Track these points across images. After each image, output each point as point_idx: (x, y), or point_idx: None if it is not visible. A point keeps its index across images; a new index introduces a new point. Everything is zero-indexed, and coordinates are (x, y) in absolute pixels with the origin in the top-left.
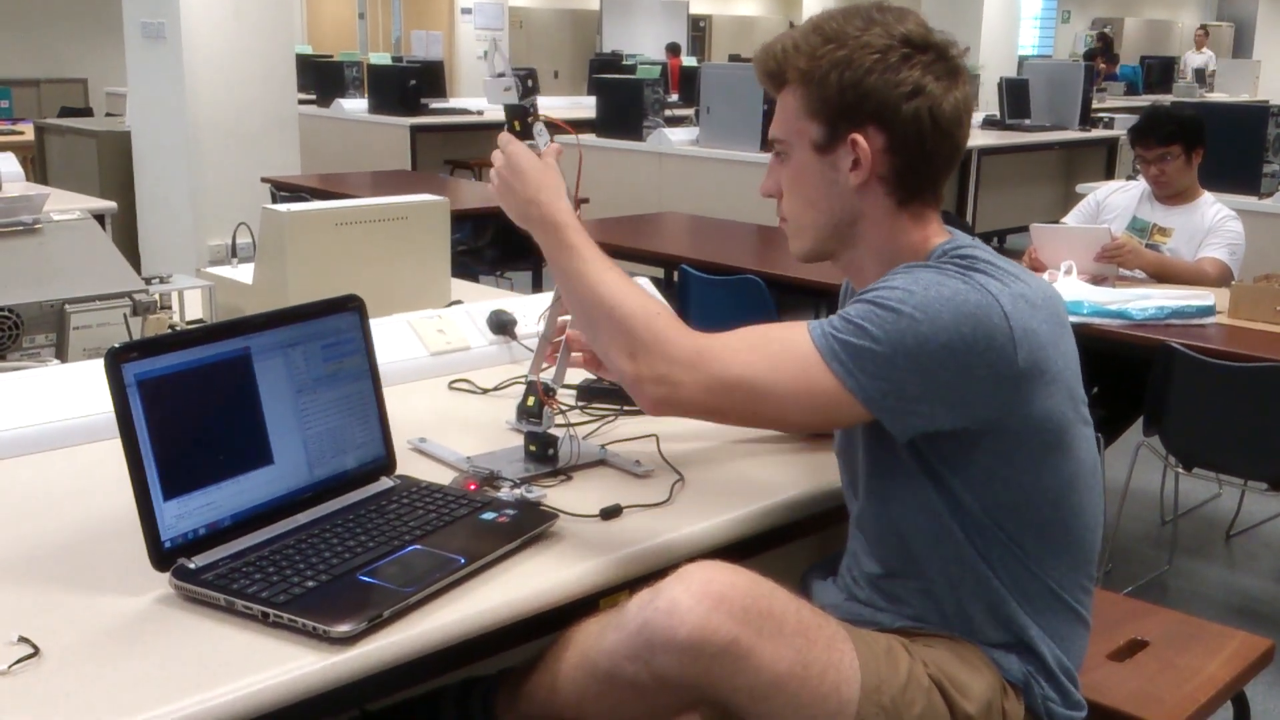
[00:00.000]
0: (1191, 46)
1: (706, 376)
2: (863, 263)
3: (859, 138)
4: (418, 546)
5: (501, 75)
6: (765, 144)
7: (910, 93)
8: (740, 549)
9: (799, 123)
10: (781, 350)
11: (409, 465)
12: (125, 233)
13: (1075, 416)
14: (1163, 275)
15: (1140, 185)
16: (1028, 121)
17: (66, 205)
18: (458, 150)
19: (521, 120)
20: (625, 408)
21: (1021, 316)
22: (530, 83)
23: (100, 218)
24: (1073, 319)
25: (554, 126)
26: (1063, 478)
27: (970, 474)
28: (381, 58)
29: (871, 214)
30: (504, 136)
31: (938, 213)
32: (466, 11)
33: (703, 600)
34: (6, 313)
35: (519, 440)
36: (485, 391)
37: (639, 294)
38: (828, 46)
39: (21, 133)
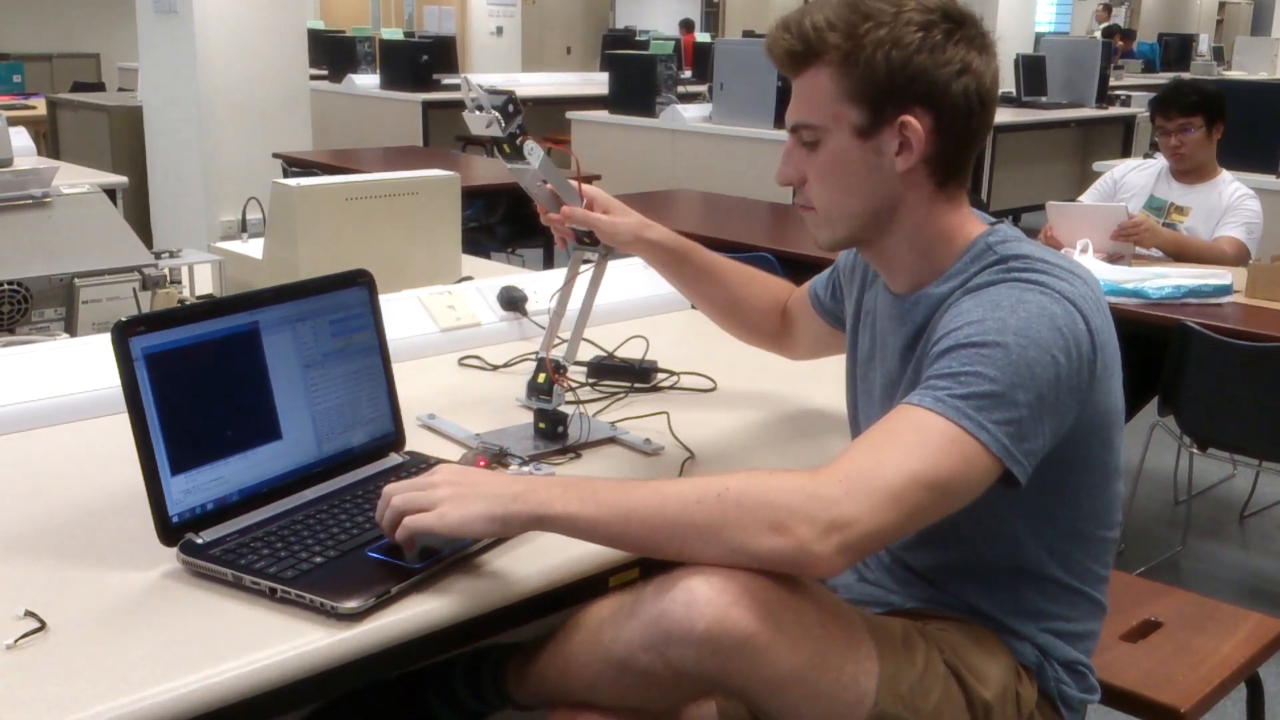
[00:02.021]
0: (1211, 26)
1: (869, 497)
2: (896, 250)
3: (910, 119)
4: None
5: (480, 110)
6: (778, 121)
7: (959, 71)
8: None
9: (835, 106)
10: (915, 437)
11: (418, 441)
12: (137, 208)
13: (1121, 402)
14: (1179, 254)
15: (1158, 163)
16: (1044, 99)
17: (76, 179)
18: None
19: (510, 145)
20: (636, 385)
21: (1094, 316)
22: (511, 107)
23: (111, 192)
24: None
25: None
26: (1108, 470)
27: (1024, 495)
28: (394, 33)
29: (912, 199)
30: (396, 488)
31: (967, 194)
32: None
33: (722, 593)
34: (15, 286)
35: (529, 417)
36: (495, 368)
37: (722, 474)
38: (868, 24)
39: (34, 107)
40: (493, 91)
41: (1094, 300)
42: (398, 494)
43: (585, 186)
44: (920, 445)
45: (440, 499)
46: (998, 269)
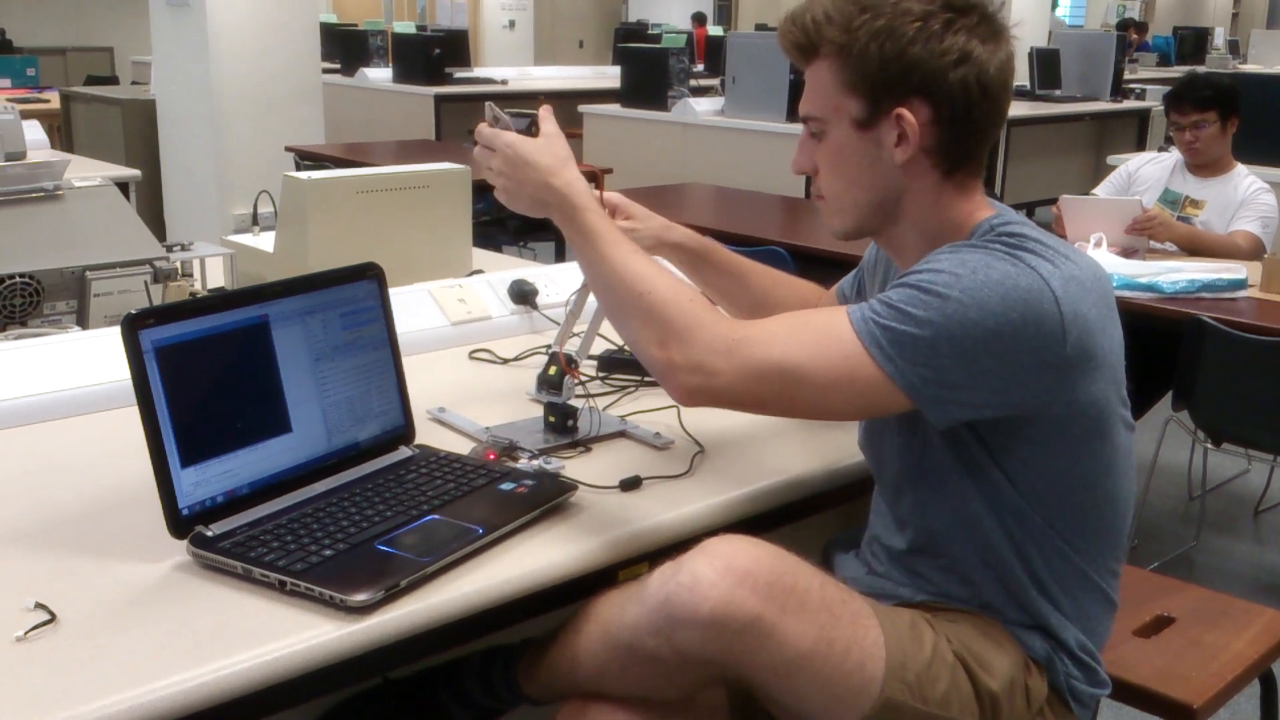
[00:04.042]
0: (1227, 19)
1: (743, 363)
2: (906, 239)
3: (904, 112)
4: (436, 516)
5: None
6: (791, 115)
7: (956, 61)
8: (761, 521)
9: (836, 98)
10: (821, 336)
11: (428, 435)
12: (150, 201)
13: (1117, 401)
14: (1194, 248)
15: (1172, 157)
16: (1058, 92)
17: (89, 172)
18: (482, 120)
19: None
20: (646, 379)
21: (1072, 300)
22: (534, 129)
23: (124, 185)
24: None
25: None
26: (1101, 464)
27: (1009, 463)
28: (406, 26)
29: (917, 189)
30: (485, 131)
31: (981, 182)
32: None
33: (726, 576)
34: (27, 279)
35: (539, 411)
36: (506, 361)
37: (669, 279)
38: (864, 16)
39: (47, 100)
40: (516, 115)
41: (1083, 286)
42: (480, 140)
43: (606, 194)
44: (819, 345)
45: (493, 177)
46: (987, 237)
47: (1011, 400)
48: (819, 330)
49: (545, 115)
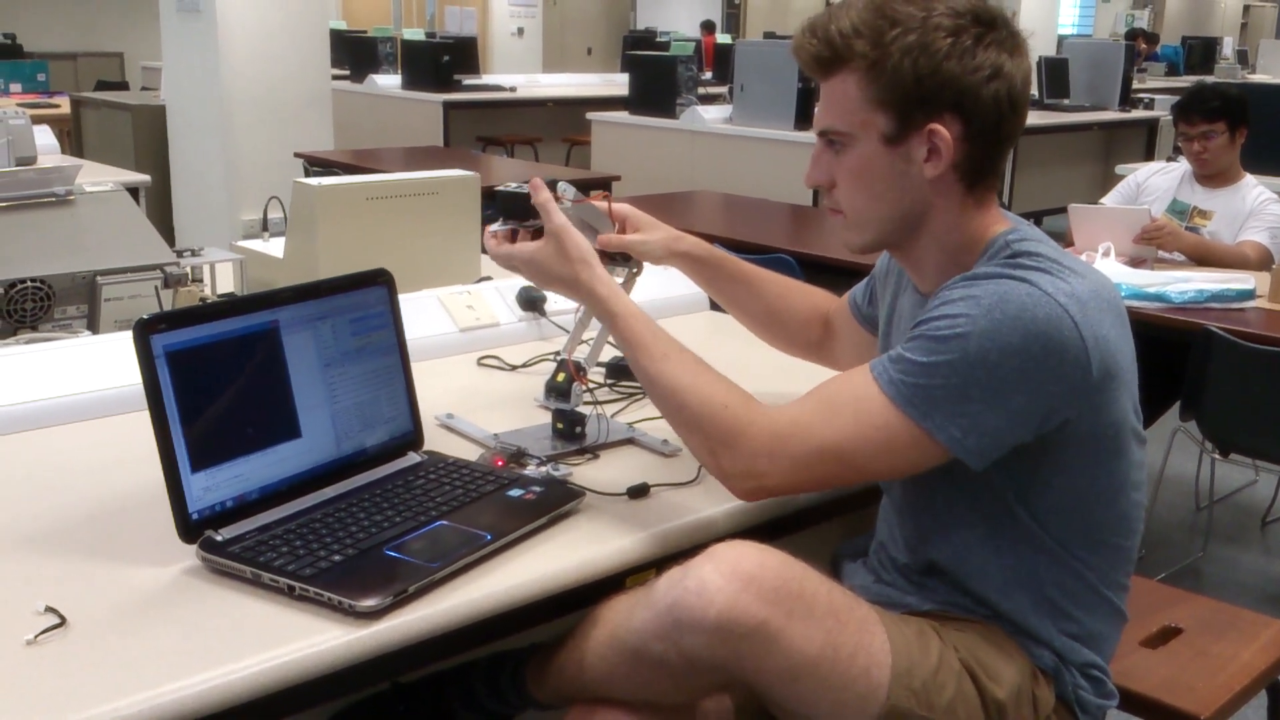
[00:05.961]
0: (1235, 29)
1: (790, 460)
2: (925, 253)
3: (938, 128)
4: (444, 522)
5: (515, 183)
6: (799, 123)
7: (989, 76)
8: (769, 529)
9: (863, 113)
10: (853, 410)
11: (436, 441)
12: (160, 206)
13: (1132, 415)
14: (1202, 258)
15: (1181, 167)
16: (1067, 101)
17: (100, 177)
18: (490, 126)
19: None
20: None
21: (1091, 322)
22: (530, 216)
23: (134, 191)
24: None
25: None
26: (1116, 480)
27: (1028, 487)
28: (415, 33)
29: (941, 204)
30: (499, 253)
31: (996, 195)
32: None
33: (733, 580)
34: (38, 284)
35: (547, 418)
36: (514, 368)
37: (704, 385)
38: (895, 30)
39: (58, 106)
40: (508, 193)
41: (1099, 305)
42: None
43: (615, 206)
44: (855, 420)
45: (524, 275)
46: (1003, 260)
47: (1040, 427)
48: (850, 403)
49: (544, 210)
